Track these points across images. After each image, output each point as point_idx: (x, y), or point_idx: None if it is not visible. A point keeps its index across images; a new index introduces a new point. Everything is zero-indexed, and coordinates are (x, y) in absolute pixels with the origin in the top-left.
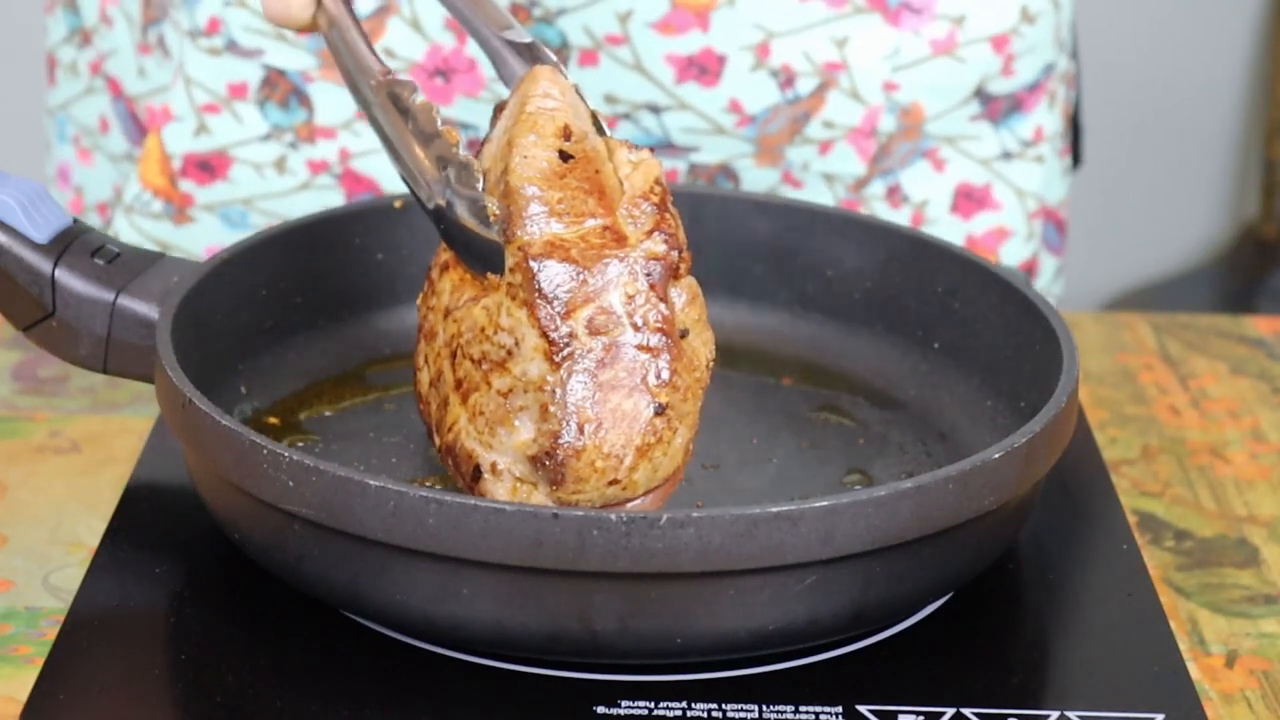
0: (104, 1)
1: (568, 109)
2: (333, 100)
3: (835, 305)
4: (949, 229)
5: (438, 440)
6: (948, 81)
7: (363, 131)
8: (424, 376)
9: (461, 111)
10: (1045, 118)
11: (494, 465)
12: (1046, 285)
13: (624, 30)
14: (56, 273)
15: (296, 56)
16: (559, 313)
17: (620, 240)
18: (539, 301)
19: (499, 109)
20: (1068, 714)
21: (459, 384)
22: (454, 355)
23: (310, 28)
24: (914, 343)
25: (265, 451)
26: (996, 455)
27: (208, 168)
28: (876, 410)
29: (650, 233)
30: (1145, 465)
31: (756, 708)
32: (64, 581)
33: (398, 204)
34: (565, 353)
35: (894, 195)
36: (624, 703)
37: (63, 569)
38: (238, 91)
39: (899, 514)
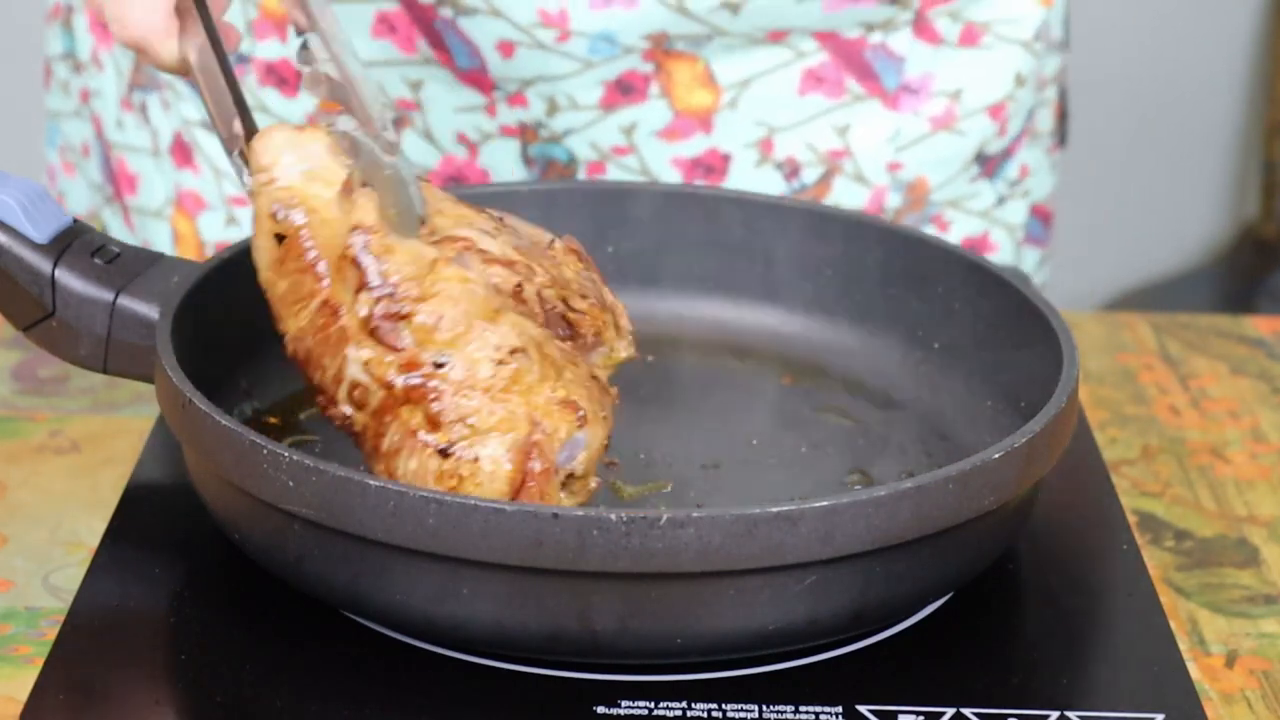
0: (97, 42)
1: (285, 170)
2: None
3: (836, 305)
4: None
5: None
6: (949, 153)
7: None
8: None
9: None
10: (1028, 154)
11: None
12: (1028, 275)
13: (630, 141)
14: (56, 273)
15: None
16: (327, 403)
17: (334, 313)
18: (319, 399)
19: None
20: (1068, 714)
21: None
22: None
23: (179, 70)
24: (914, 343)
25: (265, 451)
26: (996, 455)
27: None
28: (876, 410)
29: (357, 292)
30: (1145, 465)
31: (756, 708)
32: (64, 581)
33: None
34: (355, 438)
35: None
36: (624, 703)
37: (63, 569)
38: None
39: (899, 514)
